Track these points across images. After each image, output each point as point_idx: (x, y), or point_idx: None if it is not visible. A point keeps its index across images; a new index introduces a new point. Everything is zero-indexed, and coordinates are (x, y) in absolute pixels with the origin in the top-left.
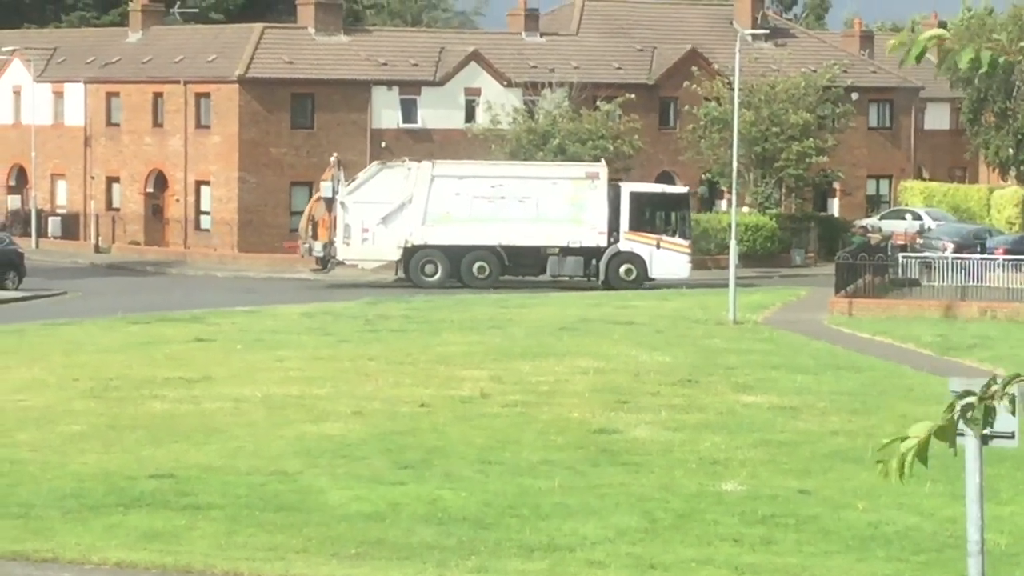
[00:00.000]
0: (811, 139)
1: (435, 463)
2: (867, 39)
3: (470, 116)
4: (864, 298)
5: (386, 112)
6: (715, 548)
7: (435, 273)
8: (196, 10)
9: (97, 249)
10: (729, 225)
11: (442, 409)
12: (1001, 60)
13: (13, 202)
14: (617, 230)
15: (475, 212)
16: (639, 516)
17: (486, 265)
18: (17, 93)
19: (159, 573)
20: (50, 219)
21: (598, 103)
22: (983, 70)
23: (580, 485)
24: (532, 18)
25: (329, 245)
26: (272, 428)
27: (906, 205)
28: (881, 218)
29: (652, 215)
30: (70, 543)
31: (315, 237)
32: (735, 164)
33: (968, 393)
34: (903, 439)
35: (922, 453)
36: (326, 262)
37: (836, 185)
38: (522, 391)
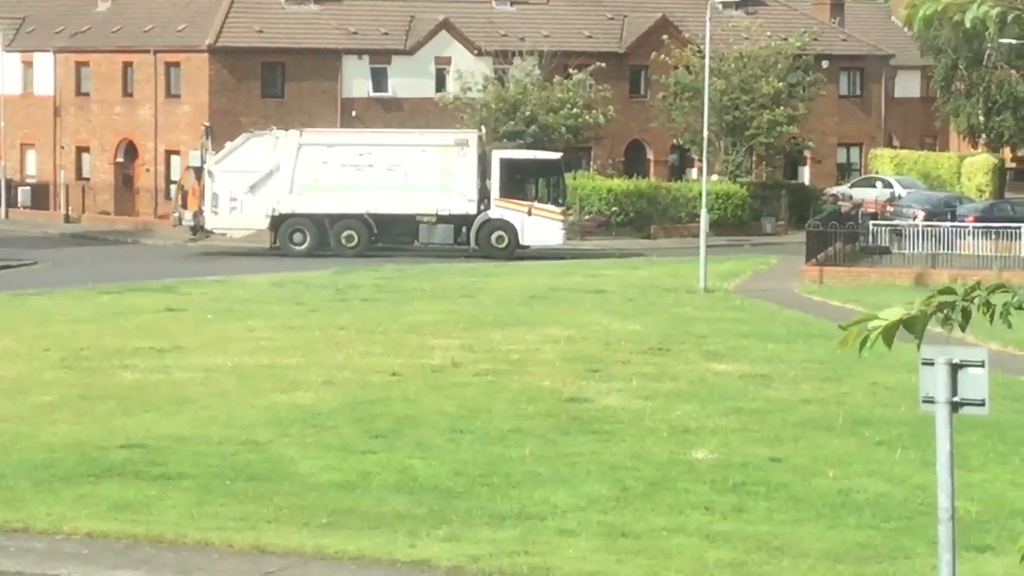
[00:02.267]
0: (782, 107)
1: (406, 432)
2: (837, 7)
3: (440, 85)
4: (835, 266)
5: (357, 81)
6: (686, 516)
7: (303, 242)
8: None
9: (67, 219)
10: (700, 193)
11: (413, 378)
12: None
13: None
14: (488, 197)
15: (343, 180)
16: (610, 484)
17: (354, 234)
18: None
19: (130, 543)
20: (19, 189)
21: (569, 71)
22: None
23: (551, 454)
24: None
25: (199, 214)
26: (243, 398)
27: (876, 173)
28: (852, 186)
29: (523, 182)
30: (40, 513)
31: (184, 206)
32: (706, 132)
33: (950, 291)
34: (873, 318)
35: (888, 335)
36: (196, 231)
37: (807, 153)
38: (493, 360)
